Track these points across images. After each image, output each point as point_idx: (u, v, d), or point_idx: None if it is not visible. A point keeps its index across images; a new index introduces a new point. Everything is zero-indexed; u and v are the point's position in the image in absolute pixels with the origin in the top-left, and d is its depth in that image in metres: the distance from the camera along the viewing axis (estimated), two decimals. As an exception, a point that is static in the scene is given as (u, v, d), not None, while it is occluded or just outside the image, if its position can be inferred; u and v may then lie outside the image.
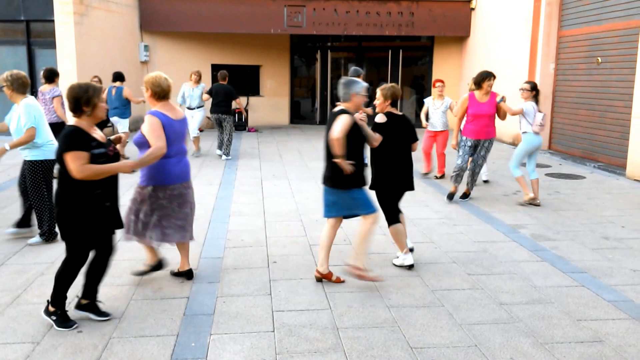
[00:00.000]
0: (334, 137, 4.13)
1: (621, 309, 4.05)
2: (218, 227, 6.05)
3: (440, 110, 8.70)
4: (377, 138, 4.59)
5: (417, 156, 8.72)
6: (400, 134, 4.77)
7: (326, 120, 5.06)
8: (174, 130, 4.16)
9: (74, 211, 3.55)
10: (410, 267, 4.82)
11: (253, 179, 8.79)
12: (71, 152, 3.45)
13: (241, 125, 15.93)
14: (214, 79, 16.77)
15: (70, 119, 3.75)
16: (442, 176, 8.96)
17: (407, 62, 17.18)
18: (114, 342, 3.47)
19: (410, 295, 4.27)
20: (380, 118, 4.77)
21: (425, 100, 8.92)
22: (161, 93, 4.15)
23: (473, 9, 15.52)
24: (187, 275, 4.50)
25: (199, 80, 11.01)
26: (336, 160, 4.20)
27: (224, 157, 10.71)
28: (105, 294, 4.19)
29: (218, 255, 5.13)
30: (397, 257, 4.94)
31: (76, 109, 3.58)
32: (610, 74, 10.18)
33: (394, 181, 4.80)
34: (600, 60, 10.45)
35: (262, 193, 7.75)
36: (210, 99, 10.89)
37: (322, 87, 17.43)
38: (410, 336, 3.60)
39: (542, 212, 6.82)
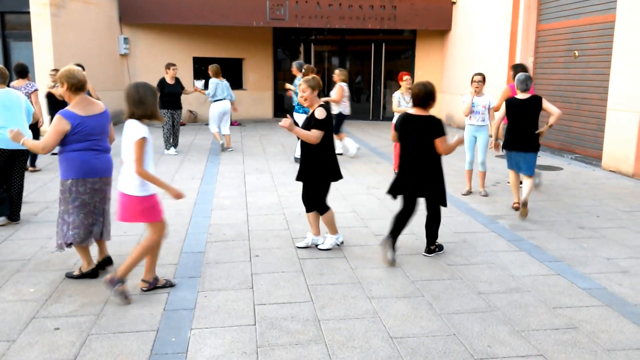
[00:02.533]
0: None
1: (595, 297, 4.14)
2: (200, 221, 6.04)
3: (410, 104, 8.46)
4: (317, 135, 4.73)
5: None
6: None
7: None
8: (87, 126, 4.14)
9: None
10: (342, 243, 5.20)
11: (236, 172, 8.78)
12: None
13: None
14: (197, 72, 16.71)
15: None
16: None
17: (390, 56, 17.24)
18: (92, 338, 3.46)
19: (391, 286, 4.32)
20: (320, 113, 4.68)
21: (395, 95, 8.48)
22: (78, 84, 4.12)
23: (454, 2, 15.61)
24: (107, 262, 4.57)
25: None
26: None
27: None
28: (83, 290, 4.17)
29: (200, 249, 5.12)
30: (326, 239, 5.16)
31: None
32: (587, 67, 10.33)
33: (336, 171, 5.03)
34: (577, 54, 10.59)
35: (245, 187, 7.74)
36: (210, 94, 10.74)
37: (305, 81, 17.38)
38: (391, 326, 3.64)
39: (521, 203, 6.91)
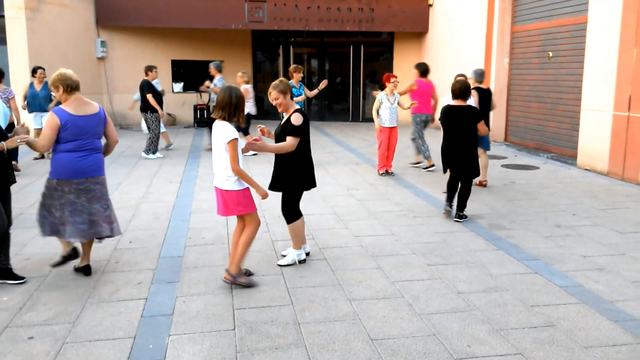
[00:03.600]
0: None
1: (572, 294, 4.19)
2: (178, 225, 5.98)
3: (394, 105, 8.56)
4: (292, 144, 4.53)
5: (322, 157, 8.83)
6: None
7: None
8: (76, 126, 4.23)
9: None
10: (304, 261, 4.87)
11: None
12: None
13: (204, 121, 15.76)
14: (175, 75, 16.56)
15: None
16: (392, 172, 8.84)
17: (368, 58, 17.31)
18: (67, 347, 3.39)
19: (371, 287, 4.32)
20: (296, 119, 4.53)
21: (378, 95, 8.51)
22: (73, 84, 4.26)
23: (431, 5, 15.75)
24: (84, 270, 4.54)
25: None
26: None
27: None
28: (58, 298, 4.09)
29: (178, 254, 5.07)
30: (287, 254, 4.88)
31: None
32: (561, 67, 10.50)
33: (311, 179, 4.79)
34: (551, 55, 10.76)
35: (223, 190, 7.68)
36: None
37: (284, 83, 17.35)
38: (371, 328, 3.64)
39: (498, 202, 6.99)
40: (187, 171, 9.09)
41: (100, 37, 15.39)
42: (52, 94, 10.01)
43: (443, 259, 4.97)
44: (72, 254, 4.51)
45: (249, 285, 4.31)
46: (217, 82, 10.96)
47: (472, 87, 7.58)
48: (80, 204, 4.34)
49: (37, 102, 9.88)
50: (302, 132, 4.55)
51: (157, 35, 16.03)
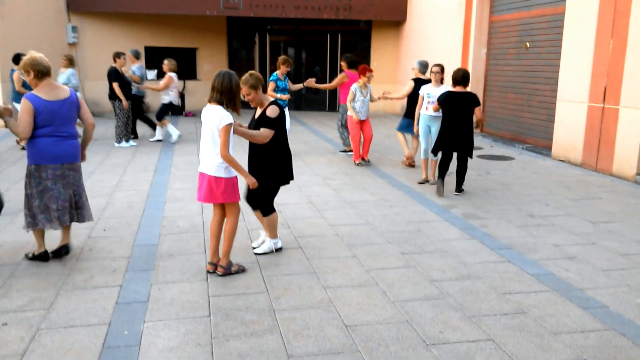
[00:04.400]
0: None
1: (543, 282, 4.29)
2: (153, 213, 5.93)
3: (367, 98, 8.58)
4: (266, 135, 4.45)
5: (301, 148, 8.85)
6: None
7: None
8: (49, 111, 4.20)
9: None
10: (280, 249, 4.89)
11: (189, 164, 8.64)
12: None
13: (178, 109, 15.56)
14: (149, 62, 16.29)
15: None
16: (369, 161, 8.96)
17: (345, 47, 17.26)
18: (42, 333, 3.36)
19: (346, 275, 4.36)
20: (272, 112, 4.46)
21: (352, 87, 8.54)
22: (44, 70, 4.21)
23: (409, -7, 15.78)
24: (64, 249, 4.56)
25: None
26: None
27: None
28: (32, 285, 4.04)
29: (153, 242, 5.03)
30: (263, 243, 4.86)
31: None
32: (538, 58, 10.64)
33: (288, 173, 4.76)
34: (528, 45, 10.89)
35: (200, 178, 7.63)
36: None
37: (261, 71, 17.25)
38: (345, 315, 3.68)
39: (473, 193, 7.09)
40: (161, 160, 9.00)
41: (71, 22, 15.04)
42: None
43: (417, 247, 5.03)
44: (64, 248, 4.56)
45: (242, 270, 4.38)
46: (136, 70, 10.94)
47: (414, 77, 8.54)
48: (56, 190, 4.33)
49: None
50: (277, 125, 4.46)
51: (130, 21, 15.74)
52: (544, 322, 3.63)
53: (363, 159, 8.80)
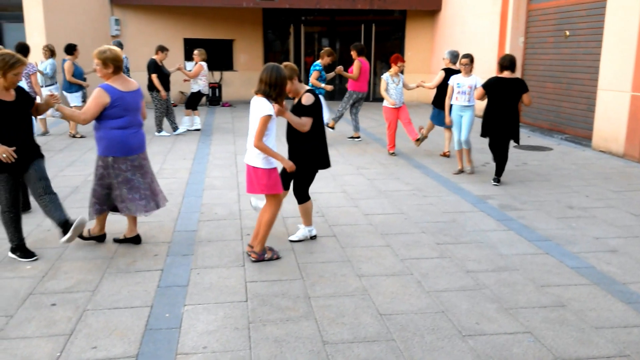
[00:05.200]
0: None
1: (583, 275, 4.22)
2: (192, 200, 6.06)
3: (399, 86, 8.54)
4: (306, 122, 4.54)
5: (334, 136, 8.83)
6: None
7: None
8: (125, 102, 4.29)
9: None
10: (315, 237, 4.94)
11: (227, 153, 8.77)
12: None
13: (215, 100, 15.78)
14: (188, 53, 16.53)
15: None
16: (419, 139, 8.66)
17: (379, 37, 17.15)
18: (87, 314, 3.50)
19: (380, 264, 4.38)
20: (307, 99, 4.54)
21: (383, 77, 8.54)
22: (121, 65, 4.32)
23: (445, -18, 15.53)
24: (135, 240, 4.70)
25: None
26: None
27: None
28: (78, 267, 4.20)
29: (192, 228, 5.16)
30: (298, 230, 4.93)
31: None
32: (578, 47, 10.36)
33: (325, 159, 4.79)
34: (568, 34, 10.61)
35: (236, 167, 7.75)
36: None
37: (296, 62, 17.30)
38: (380, 303, 3.71)
39: (509, 183, 7.00)
40: (199, 149, 9.16)
41: (114, 15, 15.39)
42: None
43: (452, 238, 5.01)
44: (100, 237, 4.70)
45: (276, 258, 4.46)
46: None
47: (444, 67, 8.47)
48: (136, 180, 4.44)
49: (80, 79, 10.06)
50: (313, 112, 4.55)
51: (170, 14, 15.99)
52: (585, 316, 3.57)
53: (418, 139, 8.58)
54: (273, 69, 4.18)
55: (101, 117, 4.27)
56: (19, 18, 12.55)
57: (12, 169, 4.13)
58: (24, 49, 8.54)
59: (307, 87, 4.64)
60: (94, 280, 3.99)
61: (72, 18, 13.27)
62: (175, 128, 10.64)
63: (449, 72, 8.20)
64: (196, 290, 3.86)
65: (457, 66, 8.27)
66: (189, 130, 10.99)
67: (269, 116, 4.13)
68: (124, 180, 4.39)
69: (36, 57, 11.72)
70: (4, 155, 4.00)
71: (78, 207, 5.72)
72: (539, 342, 3.25)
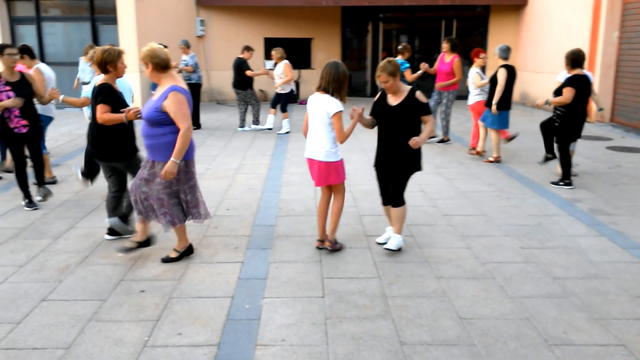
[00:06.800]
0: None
1: (683, 287, 3.90)
2: (270, 196, 6.18)
3: (486, 79, 8.22)
4: (433, 121, 4.44)
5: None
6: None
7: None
8: (190, 103, 4.05)
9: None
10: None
11: (304, 150, 8.86)
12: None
13: (293, 98, 16.00)
14: (267, 52, 16.89)
15: None
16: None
17: (461, 33, 16.68)
18: (173, 301, 3.66)
19: (460, 267, 4.26)
20: (423, 96, 4.38)
21: (473, 70, 8.30)
22: (161, 63, 3.96)
23: (533, -25, 14.85)
24: (147, 243, 4.47)
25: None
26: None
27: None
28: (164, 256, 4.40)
29: (270, 223, 5.26)
30: (390, 238, 4.58)
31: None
32: (681, 42, 9.58)
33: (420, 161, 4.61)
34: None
35: (313, 164, 7.82)
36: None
37: (374, 60, 17.22)
38: (460, 307, 3.60)
39: (600, 186, 6.59)
40: (277, 145, 9.33)
41: (199, 16, 16.01)
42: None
43: (538, 242, 4.78)
44: (147, 242, 4.43)
45: (342, 248, 4.60)
46: (189, 60, 11.12)
47: (500, 65, 7.84)
48: (195, 181, 4.31)
49: None
50: (431, 109, 4.42)
51: (251, 14, 16.40)
52: (686, 331, 3.30)
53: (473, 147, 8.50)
54: (332, 65, 4.25)
55: (165, 122, 3.96)
56: (113, 20, 13.37)
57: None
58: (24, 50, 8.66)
59: (409, 87, 4.42)
60: (179, 270, 4.17)
61: (162, 20, 13.94)
62: (242, 125, 10.89)
63: (509, 69, 7.71)
64: (274, 284, 3.92)
65: (509, 61, 7.87)
66: (261, 129, 11.00)
67: (341, 111, 4.24)
68: (194, 183, 4.24)
69: (130, 59, 12.39)
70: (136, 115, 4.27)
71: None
72: (634, 357, 3.03)
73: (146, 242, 4.42)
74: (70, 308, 3.57)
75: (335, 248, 4.53)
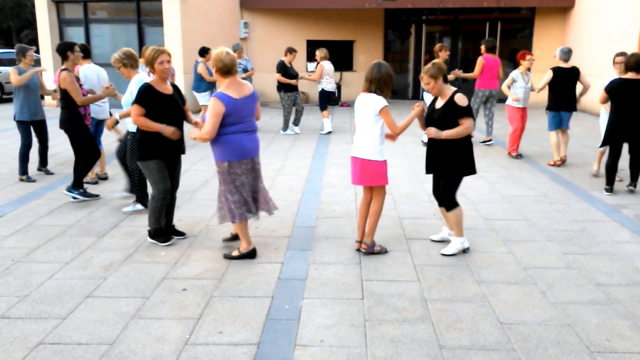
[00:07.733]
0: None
1: None
2: (311, 198, 6.26)
3: (529, 85, 8.05)
4: (470, 125, 4.37)
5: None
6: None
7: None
8: (237, 109, 4.18)
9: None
10: (468, 249, 4.67)
11: (344, 152, 8.93)
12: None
13: (334, 100, 16.09)
14: (310, 55, 17.06)
15: None
16: (521, 154, 8.48)
17: (505, 35, 16.40)
18: (214, 300, 3.77)
19: (501, 271, 4.22)
20: (462, 100, 4.36)
21: (513, 74, 8.10)
22: (224, 68, 4.16)
23: (580, -25, 14.48)
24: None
25: None
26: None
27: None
28: (206, 256, 4.53)
29: (311, 224, 5.33)
30: (450, 243, 4.67)
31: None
32: None
33: (472, 164, 4.54)
34: None
35: (353, 167, 7.86)
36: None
37: (416, 62, 17.13)
38: (500, 312, 3.58)
39: (650, 193, 6.38)
40: (318, 147, 9.42)
41: (243, 19, 16.31)
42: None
43: (582, 248, 4.68)
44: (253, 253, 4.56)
45: (385, 252, 4.59)
46: (248, 64, 11.44)
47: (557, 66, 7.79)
48: (248, 184, 4.43)
49: (208, 82, 10.73)
50: (470, 112, 4.37)
51: (294, 17, 16.59)
52: None
53: (510, 153, 8.40)
54: (375, 65, 4.36)
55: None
56: (159, 23, 13.78)
57: (167, 155, 4.67)
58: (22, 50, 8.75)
59: (454, 89, 4.44)
60: (220, 269, 4.28)
61: (206, 22, 14.28)
62: (286, 128, 10.91)
63: (559, 71, 7.61)
64: (314, 285, 3.99)
65: (568, 64, 7.73)
66: (320, 133, 10.97)
67: (387, 106, 4.33)
68: (240, 184, 4.37)
69: (174, 61, 12.76)
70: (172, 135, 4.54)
71: (208, 200, 6.16)
72: (682, 368, 2.95)
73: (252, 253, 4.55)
74: (114, 305, 3.70)
75: (371, 251, 4.54)
